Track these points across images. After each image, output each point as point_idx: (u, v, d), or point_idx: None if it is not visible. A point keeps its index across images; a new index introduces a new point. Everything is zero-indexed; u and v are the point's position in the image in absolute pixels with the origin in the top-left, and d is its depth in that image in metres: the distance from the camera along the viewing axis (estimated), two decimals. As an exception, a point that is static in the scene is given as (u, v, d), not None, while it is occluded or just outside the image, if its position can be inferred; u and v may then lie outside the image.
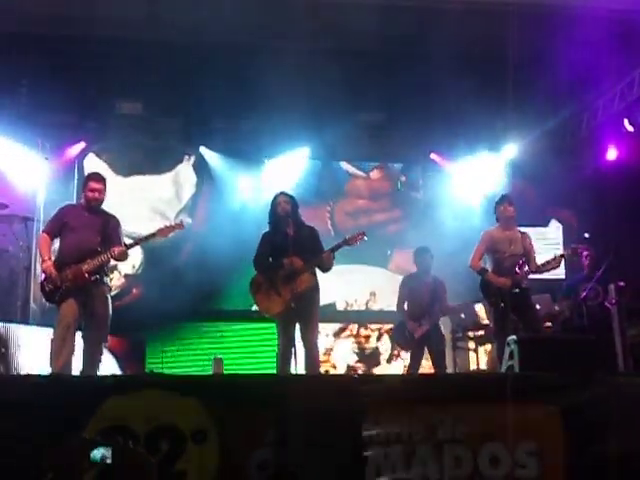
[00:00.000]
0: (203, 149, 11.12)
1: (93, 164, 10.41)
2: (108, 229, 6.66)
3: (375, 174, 11.18)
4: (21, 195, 9.82)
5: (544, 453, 5.08)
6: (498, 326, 7.35)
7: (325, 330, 10.23)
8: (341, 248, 7.05)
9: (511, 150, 11.11)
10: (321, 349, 9.90)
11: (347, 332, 10.39)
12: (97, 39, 9.44)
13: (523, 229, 7.82)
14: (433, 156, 11.44)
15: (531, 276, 7.59)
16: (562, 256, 7.53)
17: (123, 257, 6.68)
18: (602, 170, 10.19)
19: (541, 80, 9.93)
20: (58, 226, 6.69)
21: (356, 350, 10.28)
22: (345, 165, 11.21)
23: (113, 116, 10.74)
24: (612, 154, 10.27)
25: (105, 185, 6.80)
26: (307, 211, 8.80)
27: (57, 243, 6.83)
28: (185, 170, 10.98)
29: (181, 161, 11.01)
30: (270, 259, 7.11)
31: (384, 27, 9.29)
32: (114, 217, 6.85)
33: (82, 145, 10.56)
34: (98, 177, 6.83)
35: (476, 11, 9.17)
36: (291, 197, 7.28)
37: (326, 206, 10.82)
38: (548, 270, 7.55)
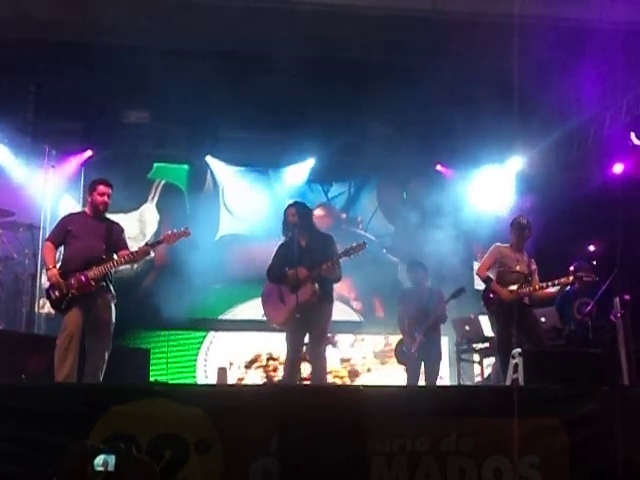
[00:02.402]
0: (209, 158, 11.18)
1: (70, 204, 10.38)
2: (112, 236, 6.62)
3: (318, 212, 11.56)
4: (27, 203, 9.79)
5: (549, 466, 5.07)
6: (501, 339, 7.32)
7: (238, 361, 10.78)
8: (342, 258, 7.02)
9: (517, 163, 11.10)
10: (232, 379, 10.37)
11: (257, 363, 10.88)
12: (105, 47, 9.46)
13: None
14: (439, 168, 11.43)
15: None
16: (565, 281, 7.58)
17: (144, 256, 6.67)
18: (608, 183, 10.14)
19: (548, 93, 9.93)
20: (62, 234, 6.63)
21: (265, 380, 10.70)
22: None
23: (120, 124, 10.77)
24: (618, 168, 10.24)
25: (112, 190, 6.76)
26: (258, 245, 10.49)
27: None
28: (149, 209, 11.45)
29: (146, 201, 11.43)
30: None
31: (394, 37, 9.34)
32: (117, 223, 6.80)
33: (89, 153, 10.58)
34: (107, 181, 6.75)
35: (484, 24, 9.20)
36: (298, 207, 7.22)
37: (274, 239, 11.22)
38: (549, 295, 7.65)
